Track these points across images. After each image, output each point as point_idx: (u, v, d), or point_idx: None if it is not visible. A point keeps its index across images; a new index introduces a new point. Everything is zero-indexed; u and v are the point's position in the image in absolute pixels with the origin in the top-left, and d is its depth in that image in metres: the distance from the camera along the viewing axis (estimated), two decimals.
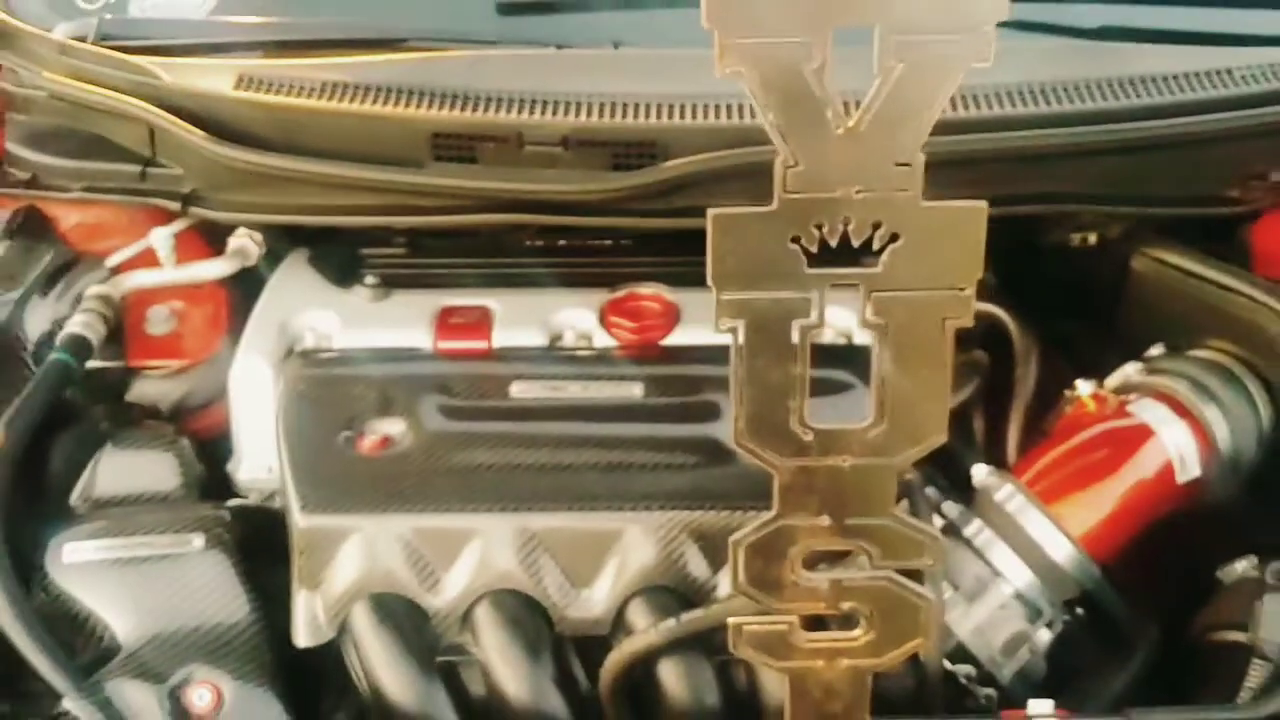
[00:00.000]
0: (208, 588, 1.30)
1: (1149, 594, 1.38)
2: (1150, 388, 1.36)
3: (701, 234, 0.82)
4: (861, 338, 1.34)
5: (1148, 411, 1.32)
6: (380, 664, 1.23)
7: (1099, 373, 1.44)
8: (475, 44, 1.59)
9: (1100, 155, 1.46)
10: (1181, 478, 1.30)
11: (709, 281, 0.79)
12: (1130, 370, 1.41)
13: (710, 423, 1.32)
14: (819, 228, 0.77)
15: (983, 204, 0.77)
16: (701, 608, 1.19)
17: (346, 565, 1.26)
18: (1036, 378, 1.46)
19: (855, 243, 0.78)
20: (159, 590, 1.30)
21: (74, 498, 1.42)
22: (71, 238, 1.67)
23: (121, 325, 1.60)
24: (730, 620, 0.88)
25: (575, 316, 1.52)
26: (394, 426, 1.37)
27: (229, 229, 1.65)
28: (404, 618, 1.26)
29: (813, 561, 0.86)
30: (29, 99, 1.64)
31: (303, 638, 1.27)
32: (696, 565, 1.23)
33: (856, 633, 0.88)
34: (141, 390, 1.61)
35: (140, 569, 1.30)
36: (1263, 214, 1.51)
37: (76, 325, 1.51)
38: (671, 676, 1.21)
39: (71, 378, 1.47)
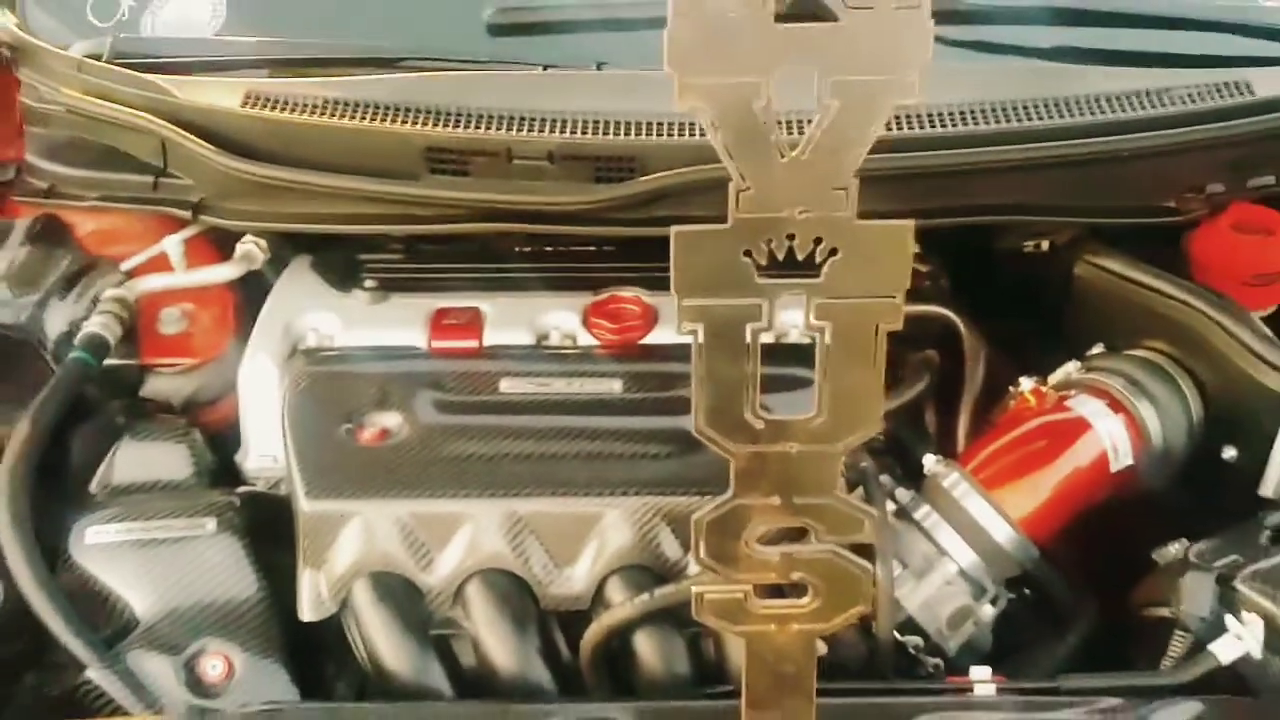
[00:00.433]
0: (219, 567, 1.33)
1: (1089, 575, 1.44)
2: (1088, 384, 1.43)
3: None
4: None
5: (1085, 406, 1.39)
6: (379, 637, 1.28)
7: (1045, 370, 1.49)
8: (467, 64, 1.62)
9: (1050, 169, 1.51)
10: (1115, 466, 1.36)
11: (672, 290, 0.85)
12: (1071, 368, 1.47)
13: (683, 415, 1.30)
14: (767, 243, 0.83)
15: (909, 222, 0.83)
16: (673, 584, 1.25)
17: (347, 546, 1.30)
18: (984, 375, 1.51)
19: (799, 256, 0.84)
20: (174, 569, 1.33)
21: (93, 485, 1.45)
22: (88, 243, 1.69)
23: (136, 326, 1.62)
24: (693, 589, 0.93)
25: (560, 318, 1.55)
26: (391, 419, 1.40)
27: (236, 236, 1.66)
28: (401, 594, 1.30)
29: (768, 538, 0.94)
30: (47, 113, 1.67)
31: (307, 613, 1.31)
32: (669, 546, 1.29)
33: (805, 600, 0.93)
34: (155, 386, 1.63)
35: (157, 550, 1.34)
36: (1199, 224, 1.57)
37: (94, 325, 1.54)
38: (646, 647, 1.26)
39: (90, 374, 1.50)
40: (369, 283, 1.59)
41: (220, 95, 1.57)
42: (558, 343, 1.54)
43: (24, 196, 1.70)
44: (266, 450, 1.50)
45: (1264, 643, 1.17)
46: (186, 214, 1.61)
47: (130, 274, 1.64)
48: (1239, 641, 1.17)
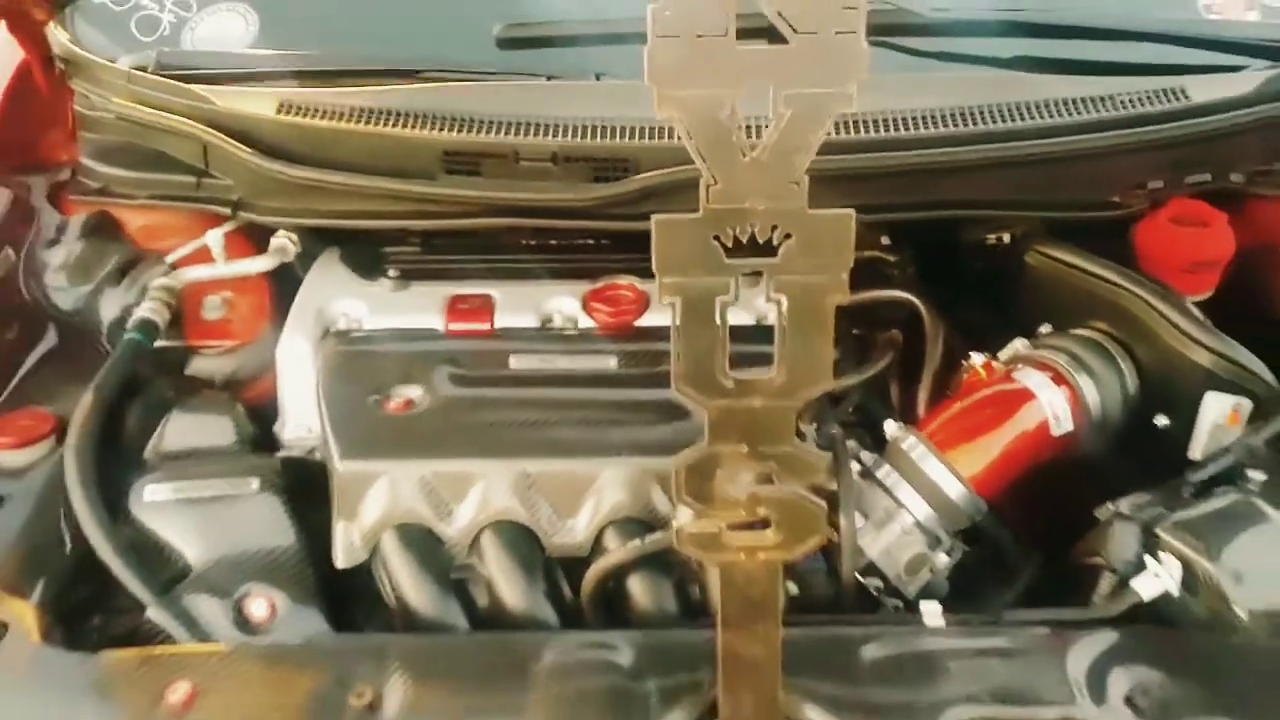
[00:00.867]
0: (262, 521, 1.41)
1: (1037, 533, 1.55)
2: (1034, 359, 1.54)
3: None
4: None
5: (1030, 378, 1.50)
6: (405, 580, 1.37)
7: (1000, 349, 1.59)
8: (478, 75, 1.70)
9: (1007, 168, 1.60)
10: (1056, 432, 1.47)
11: (654, 269, 0.94)
12: (1019, 345, 1.58)
13: (671, 388, 1.47)
14: (733, 230, 0.93)
15: (850, 211, 0.93)
16: (661, 532, 1.35)
17: (376, 501, 1.39)
18: (944, 352, 1.61)
19: (760, 241, 0.93)
20: (222, 523, 1.41)
21: (147, 452, 1.52)
22: (137, 238, 1.79)
23: (181, 311, 1.71)
24: (675, 523, 1.04)
25: (563, 303, 1.64)
26: (414, 392, 1.49)
27: (270, 231, 1.75)
28: (423, 543, 1.39)
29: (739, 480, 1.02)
30: (99, 120, 1.76)
31: (341, 560, 1.40)
32: (659, 501, 1.39)
33: (769, 534, 1.02)
34: (199, 366, 1.72)
35: (207, 506, 1.42)
36: (1142, 217, 1.67)
37: (146, 310, 1.63)
38: (638, 587, 1.37)
39: (143, 353, 1.59)
40: (391, 272, 1.67)
41: (256, 103, 1.66)
42: (560, 325, 1.63)
43: (78, 195, 1.78)
44: (302, 421, 1.58)
45: (1181, 582, 1.29)
46: (227, 211, 1.70)
47: (175, 265, 1.73)
48: (1158, 580, 1.29)
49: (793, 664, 1.13)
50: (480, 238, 1.71)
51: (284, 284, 1.75)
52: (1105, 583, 1.36)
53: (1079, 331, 1.59)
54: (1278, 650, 1.25)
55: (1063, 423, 1.48)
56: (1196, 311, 1.55)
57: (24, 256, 1.72)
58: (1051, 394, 1.49)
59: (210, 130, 1.65)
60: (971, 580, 1.51)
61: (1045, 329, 1.62)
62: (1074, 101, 1.62)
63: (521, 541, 1.40)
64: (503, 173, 1.60)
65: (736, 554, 1.05)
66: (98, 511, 1.38)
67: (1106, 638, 1.24)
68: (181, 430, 1.55)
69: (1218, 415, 1.48)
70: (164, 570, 1.39)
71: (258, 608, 1.36)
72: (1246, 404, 1.48)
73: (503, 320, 1.62)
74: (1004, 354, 1.58)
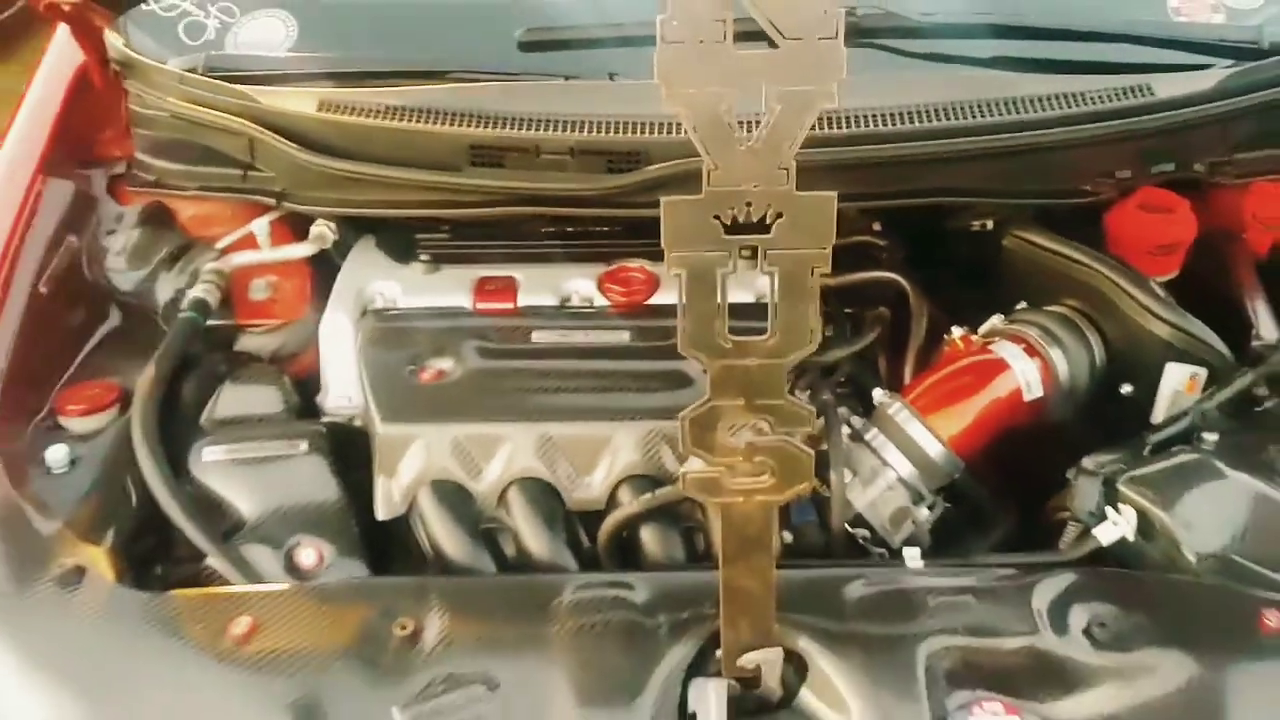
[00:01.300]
0: (310, 479, 1.51)
1: (1014, 492, 1.66)
2: (1009, 333, 1.65)
3: None
4: None
5: (1004, 350, 1.61)
6: (439, 531, 1.48)
7: (979, 324, 1.69)
8: (502, 75, 1.77)
9: (987, 159, 1.68)
10: (1027, 397, 1.59)
11: (663, 244, 1.04)
12: (996, 320, 1.69)
13: (678, 360, 1.48)
14: (730, 209, 1.02)
15: (832, 194, 1.02)
16: (669, 487, 1.47)
17: (413, 460, 1.50)
18: (927, 328, 1.71)
19: (754, 219, 1.03)
20: (274, 480, 1.51)
21: (202, 419, 1.62)
22: (188, 226, 1.88)
23: (230, 293, 1.80)
24: (682, 469, 1.16)
25: (580, 284, 1.74)
26: (446, 363, 1.60)
27: (310, 219, 1.83)
28: (456, 498, 1.49)
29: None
30: (151, 117, 1.83)
31: (381, 512, 1.51)
32: (668, 459, 1.51)
33: (764, 478, 1.13)
34: (246, 343, 1.83)
35: (260, 466, 1.53)
36: (1112, 204, 1.76)
37: (199, 291, 1.73)
38: (649, 536, 1.48)
39: (197, 330, 1.69)
40: (423, 257, 1.77)
41: (298, 102, 1.73)
42: (578, 304, 1.74)
43: (134, 187, 1.87)
44: (342, 391, 1.69)
45: (1137, 529, 1.41)
46: (272, 201, 1.78)
47: (224, 251, 1.83)
48: (1116, 528, 1.41)
49: (786, 601, 1.24)
50: (504, 225, 1.79)
51: (322, 268, 1.84)
52: (1070, 530, 1.47)
53: (1051, 308, 1.69)
54: (1221, 588, 1.37)
55: (1033, 390, 1.59)
56: (1159, 289, 1.65)
57: (86, 243, 1.80)
58: (1024, 364, 1.60)
59: (256, 127, 1.72)
60: (953, 535, 1.62)
61: (1020, 306, 1.72)
62: (1049, 98, 1.69)
63: (544, 496, 1.51)
64: (525, 165, 1.67)
65: (735, 496, 1.15)
66: (163, 469, 1.49)
67: (1068, 578, 1.36)
68: (234, 399, 1.65)
69: (1177, 383, 1.60)
70: (220, 523, 1.50)
71: (307, 556, 1.47)
72: (1202, 373, 1.59)
73: (525, 299, 1.72)
74: (982, 328, 1.68)
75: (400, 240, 1.82)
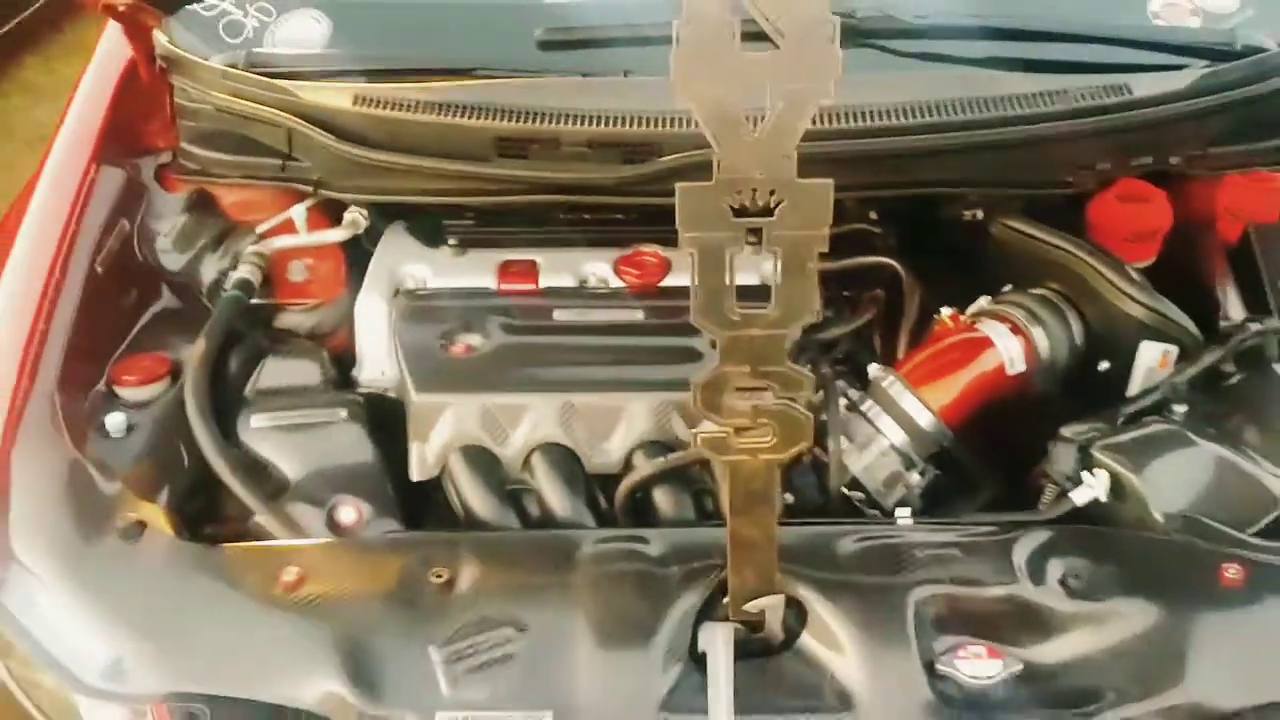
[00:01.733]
0: (349, 444, 1.61)
1: (1002, 462, 1.74)
2: (995, 313, 1.74)
3: None
4: None
5: (990, 328, 1.71)
6: (469, 492, 1.57)
7: (968, 305, 1.78)
8: (524, 73, 1.83)
9: (975, 152, 1.74)
10: (1011, 372, 1.68)
11: (677, 225, 1.11)
12: (983, 302, 1.78)
13: (688, 337, 1.61)
14: (739, 194, 1.10)
15: (829, 181, 1.10)
16: (680, 453, 1.56)
17: (444, 427, 1.59)
18: (919, 308, 1.80)
19: (759, 204, 1.08)
20: (316, 445, 1.60)
21: (247, 390, 1.71)
22: (230, 212, 1.95)
23: (270, 274, 1.88)
24: (693, 430, 1.22)
25: (597, 267, 1.82)
26: (474, 339, 1.69)
27: (344, 206, 1.90)
28: (484, 462, 1.58)
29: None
30: (195, 110, 1.90)
31: (415, 473, 1.60)
32: (678, 427, 1.60)
33: (768, 438, 1.19)
34: (285, 320, 1.91)
35: (304, 431, 1.62)
36: (1093, 195, 1.84)
37: (243, 272, 1.81)
38: (662, 497, 1.57)
39: (242, 307, 1.77)
40: (451, 241, 1.85)
41: (334, 96, 1.78)
42: (595, 285, 1.82)
43: (180, 175, 1.95)
44: (376, 365, 1.76)
45: (1110, 490, 1.51)
46: (309, 189, 1.85)
47: (264, 235, 1.91)
48: (1090, 490, 1.51)
49: (787, 554, 1.35)
50: (527, 212, 1.86)
51: (354, 252, 1.93)
52: (1049, 492, 1.57)
53: (1035, 290, 1.78)
54: (1185, 544, 1.47)
55: (1016, 365, 1.69)
56: (1135, 273, 1.75)
57: (137, 227, 1.88)
58: (1008, 341, 1.70)
59: (294, 119, 1.78)
60: (942, 500, 1.72)
61: (1007, 289, 1.81)
62: (1036, 96, 1.74)
63: (565, 460, 1.61)
64: (546, 156, 1.73)
65: (741, 455, 1.25)
66: (214, 434, 1.58)
67: (1046, 534, 1.46)
68: (276, 372, 1.74)
69: (1150, 360, 1.70)
70: (266, 485, 1.59)
71: (347, 515, 1.57)
72: (1174, 350, 1.69)
73: (546, 281, 1.81)
74: (971, 309, 1.78)
75: (429, 226, 1.89)
